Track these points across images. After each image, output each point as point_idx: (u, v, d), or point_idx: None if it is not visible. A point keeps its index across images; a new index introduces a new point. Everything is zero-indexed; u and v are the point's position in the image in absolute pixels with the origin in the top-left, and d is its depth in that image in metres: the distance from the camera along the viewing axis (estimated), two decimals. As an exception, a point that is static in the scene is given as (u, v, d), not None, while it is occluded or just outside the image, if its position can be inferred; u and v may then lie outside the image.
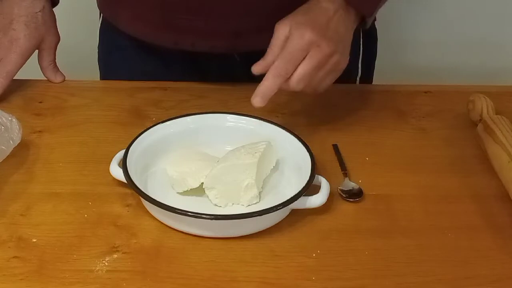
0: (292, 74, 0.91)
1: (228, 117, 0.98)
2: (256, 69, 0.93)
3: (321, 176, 0.88)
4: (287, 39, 0.92)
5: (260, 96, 0.90)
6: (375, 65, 1.26)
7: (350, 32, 0.97)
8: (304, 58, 0.91)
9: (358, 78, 1.21)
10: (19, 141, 0.94)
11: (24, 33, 1.09)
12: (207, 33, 1.06)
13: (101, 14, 1.20)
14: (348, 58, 0.96)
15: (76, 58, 1.42)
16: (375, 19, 1.13)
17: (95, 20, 1.23)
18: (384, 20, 1.18)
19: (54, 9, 1.14)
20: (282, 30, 0.92)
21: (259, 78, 1.14)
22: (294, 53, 0.91)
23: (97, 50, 1.24)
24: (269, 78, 0.91)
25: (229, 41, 1.06)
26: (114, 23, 1.14)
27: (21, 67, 1.10)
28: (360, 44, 1.18)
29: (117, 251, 0.80)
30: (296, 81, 0.91)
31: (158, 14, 1.07)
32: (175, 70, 1.16)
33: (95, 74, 1.24)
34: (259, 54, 1.09)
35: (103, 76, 1.24)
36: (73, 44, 1.41)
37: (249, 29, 1.05)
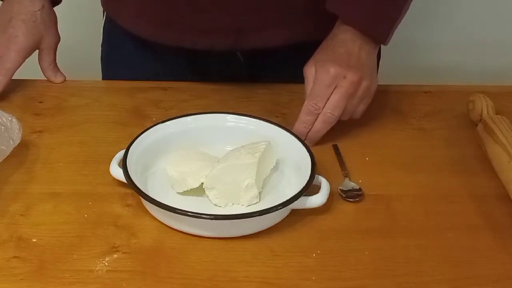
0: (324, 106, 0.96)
1: (228, 117, 0.98)
2: (301, 126, 0.98)
3: (321, 176, 0.88)
4: (315, 81, 0.96)
5: (296, 132, 0.95)
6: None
7: (372, 56, 1.00)
8: (333, 91, 0.95)
9: None
10: (19, 141, 0.94)
11: (23, 31, 1.09)
12: (209, 30, 1.06)
13: (105, 12, 1.20)
14: (377, 81, 1.00)
15: (77, 58, 1.42)
16: None
17: (97, 20, 1.23)
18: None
19: (57, 9, 1.14)
20: (309, 72, 0.98)
21: (261, 79, 1.14)
22: (321, 89, 0.95)
23: (100, 49, 1.24)
24: (301, 116, 0.96)
25: (231, 38, 1.06)
26: (117, 20, 1.14)
27: (20, 65, 1.10)
28: None
29: (117, 251, 0.80)
30: (329, 110, 0.95)
31: (159, 11, 1.07)
32: (177, 69, 1.16)
33: (97, 74, 1.24)
34: (262, 53, 1.09)
35: (105, 75, 1.24)
36: (75, 44, 1.41)
37: (251, 26, 1.05)
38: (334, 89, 0.95)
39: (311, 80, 0.97)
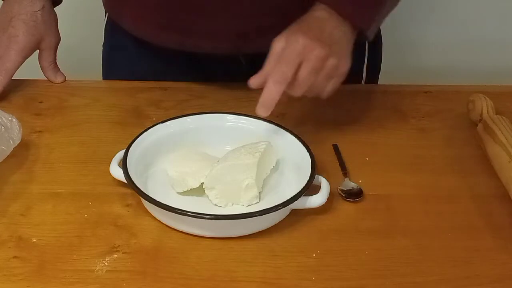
0: (292, 80, 0.90)
1: (228, 117, 0.98)
2: (253, 81, 0.92)
3: (321, 176, 0.88)
4: (283, 50, 0.91)
5: (263, 105, 0.89)
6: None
7: (348, 37, 0.95)
8: (302, 65, 0.90)
9: (363, 83, 1.21)
10: (19, 141, 0.94)
11: (23, 30, 1.09)
12: (210, 34, 1.06)
13: (107, 13, 1.20)
14: (349, 62, 0.95)
15: (77, 58, 1.42)
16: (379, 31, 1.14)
17: (97, 20, 1.23)
18: (384, 21, 1.18)
19: (57, 9, 1.14)
20: (278, 43, 0.92)
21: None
22: (290, 57, 0.90)
23: (102, 49, 1.24)
24: (269, 85, 0.89)
25: (232, 42, 1.06)
26: (119, 22, 1.15)
27: (20, 65, 1.10)
28: (365, 49, 1.18)
29: (117, 251, 0.80)
30: (296, 85, 0.91)
31: (161, 14, 1.07)
32: (179, 71, 1.16)
33: (97, 74, 1.24)
34: (265, 57, 1.08)
35: (106, 75, 1.24)
36: (75, 44, 1.41)
37: (253, 30, 1.05)
38: (302, 63, 0.90)
39: (278, 51, 0.91)
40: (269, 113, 0.89)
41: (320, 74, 0.91)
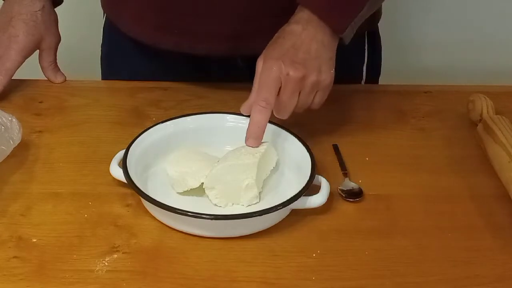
0: (276, 104, 0.90)
1: (228, 117, 0.98)
2: (243, 110, 0.94)
3: (321, 176, 0.88)
4: (262, 75, 0.91)
5: (251, 137, 0.89)
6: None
7: (328, 47, 0.93)
8: (281, 90, 0.90)
9: (362, 83, 1.21)
10: (19, 141, 0.94)
11: (23, 30, 1.09)
12: (206, 36, 1.06)
13: (105, 14, 1.20)
14: (332, 73, 0.94)
15: (77, 58, 1.42)
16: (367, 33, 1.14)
17: (97, 20, 1.23)
18: (384, 21, 1.18)
19: (57, 9, 1.14)
20: (258, 65, 0.92)
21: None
22: (268, 83, 0.90)
23: (100, 49, 1.24)
24: (253, 115, 0.90)
25: (228, 44, 1.06)
26: (116, 24, 1.15)
27: (20, 64, 1.10)
28: (365, 49, 1.18)
29: (117, 251, 0.80)
30: (281, 109, 0.91)
31: (157, 16, 1.07)
32: (176, 72, 1.16)
33: (97, 74, 1.24)
34: None
35: (105, 75, 1.24)
36: (75, 44, 1.41)
37: (249, 32, 1.05)
38: (281, 88, 0.90)
39: (258, 74, 0.92)
40: (259, 143, 0.89)
41: (302, 94, 0.91)
